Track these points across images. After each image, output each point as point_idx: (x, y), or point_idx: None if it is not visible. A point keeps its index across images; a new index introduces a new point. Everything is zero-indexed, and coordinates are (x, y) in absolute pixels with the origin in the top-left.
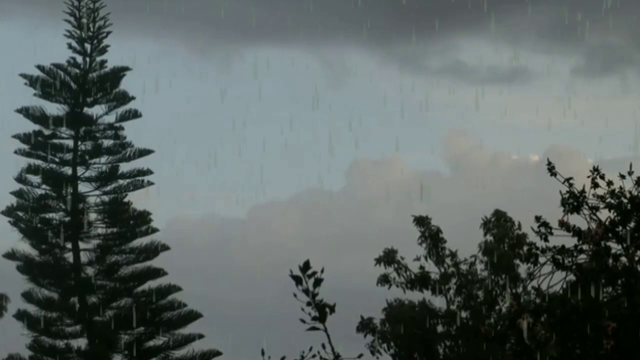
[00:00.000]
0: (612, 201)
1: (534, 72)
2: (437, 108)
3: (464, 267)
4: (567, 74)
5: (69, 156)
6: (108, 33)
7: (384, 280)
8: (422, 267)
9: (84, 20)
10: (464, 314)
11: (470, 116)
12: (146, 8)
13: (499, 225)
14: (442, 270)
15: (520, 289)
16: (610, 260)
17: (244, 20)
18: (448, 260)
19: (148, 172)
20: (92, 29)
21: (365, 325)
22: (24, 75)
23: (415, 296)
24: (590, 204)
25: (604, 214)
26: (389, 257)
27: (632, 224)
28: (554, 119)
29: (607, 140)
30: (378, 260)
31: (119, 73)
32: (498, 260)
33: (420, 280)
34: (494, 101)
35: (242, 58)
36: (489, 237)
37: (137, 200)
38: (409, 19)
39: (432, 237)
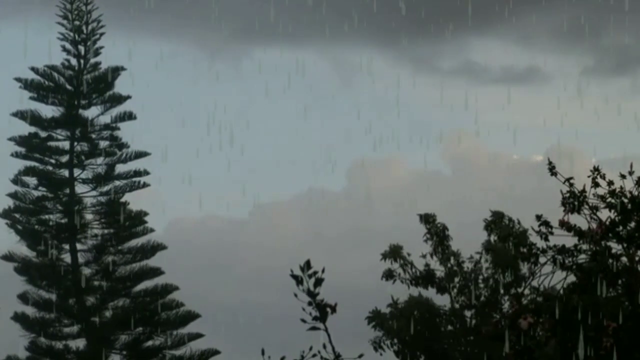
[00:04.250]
0: (613, 201)
1: (546, 72)
2: (448, 108)
3: (467, 265)
4: (577, 74)
5: (65, 158)
6: (101, 34)
7: (389, 275)
8: (427, 265)
9: (77, 23)
10: (467, 313)
11: (480, 116)
12: (154, 8)
13: (500, 225)
14: (447, 268)
15: (522, 289)
16: (610, 260)
17: (254, 21)
18: (452, 259)
19: (144, 172)
20: (85, 31)
21: (375, 317)
22: (18, 79)
23: (419, 293)
24: (590, 204)
25: (605, 214)
26: (394, 253)
27: (632, 224)
28: (563, 119)
29: (614, 140)
30: (384, 256)
31: (113, 74)
32: (502, 258)
33: (426, 278)
34: (503, 101)
35: (250, 58)
36: (493, 237)
37: (138, 201)
38: (420, 19)
39: (437, 235)
